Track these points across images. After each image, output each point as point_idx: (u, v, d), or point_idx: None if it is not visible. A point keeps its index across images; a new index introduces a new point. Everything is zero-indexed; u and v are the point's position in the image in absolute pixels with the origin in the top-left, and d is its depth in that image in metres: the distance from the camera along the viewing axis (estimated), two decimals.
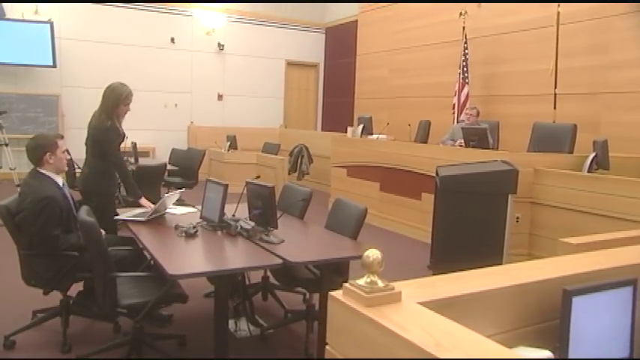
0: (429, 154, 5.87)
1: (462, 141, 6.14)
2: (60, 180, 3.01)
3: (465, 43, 7.65)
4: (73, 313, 3.05)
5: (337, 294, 1.24)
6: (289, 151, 9.15)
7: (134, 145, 6.70)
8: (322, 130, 12.22)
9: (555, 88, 6.36)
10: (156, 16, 10.25)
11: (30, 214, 2.75)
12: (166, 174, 6.45)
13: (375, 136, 7.34)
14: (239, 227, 2.94)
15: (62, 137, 3.15)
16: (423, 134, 7.45)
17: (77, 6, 9.52)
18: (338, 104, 11.85)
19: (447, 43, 8.40)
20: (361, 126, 7.28)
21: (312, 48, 12.14)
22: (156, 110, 10.34)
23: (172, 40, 10.44)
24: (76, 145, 7.21)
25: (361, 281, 1.23)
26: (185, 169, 6.71)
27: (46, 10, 9.21)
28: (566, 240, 2.23)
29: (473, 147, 5.54)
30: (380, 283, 1.23)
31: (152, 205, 3.38)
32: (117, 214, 3.37)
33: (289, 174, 8.61)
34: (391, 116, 9.11)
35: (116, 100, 3.71)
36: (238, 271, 2.55)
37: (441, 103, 8.36)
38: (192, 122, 10.44)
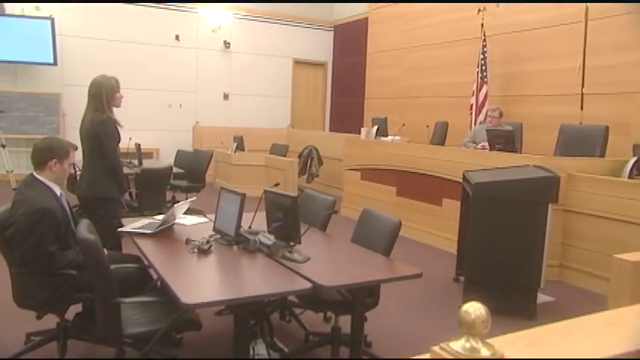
0: (451, 157, 5.53)
1: (485, 143, 5.82)
2: (58, 190, 2.68)
3: (484, 40, 7.31)
4: (72, 337, 2.72)
5: None
6: (298, 153, 8.81)
7: (138, 146, 6.38)
8: (330, 130, 11.89)
9: (583, 87, 6.02)
10: (160, 12, 9.92)
11: (23, 228, 2.43)
12: (172, 177, 6.13)
13: (389, 138, 7.01)
14: (258, 242, 2.61)
15: (76, 149, 2.84)
16: (441, 136, 7.12)
17: (79, 2, 9.21)
18: (347, 104, 11.52)
19: (462, 41, 8.06)
20: (375, 127, 6.95)
21: (320, 46, 11.81)
22: (160, 110, 10.03)
23: (177, 37, 10.12)
24: (78, 146, 6.88)
25: (457, 345, 0.90)
26: (191, 172, 6.39)
27: (47, 6, 8.89)
28: (620, 256, 1.90)
29: (498, 150, 5.20)
30: (484, 350, 0.90)
31: None
32: (121, 225, 3.07)
33: (298, 176, 8.27)
34: (403, 117, 8.76)
35: (110, 92, 3.50)
36: (262, 298, 2.22)
37: (456, 103, 8.02)
38: (197, 122, 10.12)
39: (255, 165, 8.47)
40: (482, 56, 7.34)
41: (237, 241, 2.70)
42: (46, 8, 8.86)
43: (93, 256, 2.09)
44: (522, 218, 3.51)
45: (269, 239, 2.61)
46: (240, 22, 10.74)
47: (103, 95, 3.49)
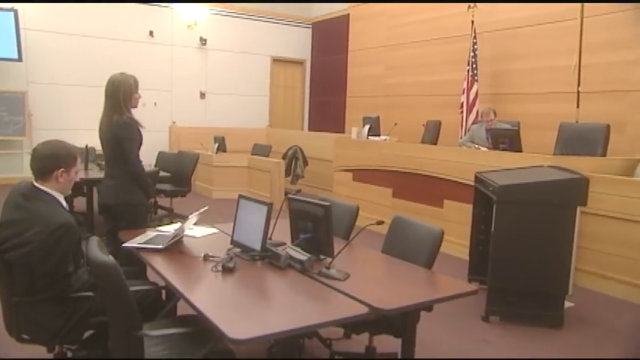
0: (453, 157, 5.35)
1: (487, 144, 5.69)
2: (63, 200, 2.31)
3: (474, 38, 7.19)
4: None
5: None
6: (281, 154, 8.50)
7: None
8: (309, 130, 11.62)
9: (579, 85, 5.95)
10: (133, 7, 9.42)
11: (43, 248, 2.05)
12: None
13: (379, 138, 6.80)
14: (289, 257, 2.32)
15: (82, 153, 2.49)
16: (433, 135, 6.95)
17: None
18: (326, 103, 11.26)
19: (451, 38, 7.94)
20: (367, 126, 6.72)
21: (298, 44, 11.51)
22: (133, 109, 9.50)
23: (151, 33, 9.64)
24: None
25: None
26: (176, 175, 6.00)
27: None
28: None
29: (503, 150, 5.05)
30: None
31: None
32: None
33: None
34: (389, 116, 8.56)
35: (128, 91, 3.24)
36: (319, 327, 1.93)
37: (445, 101, 7.89)
38: (174, 122, 9.67)
39: (238, 166, 8.13)
40: (472, 54, 7.21)
41: (262, 256, 2.40)
42: None
43: (113, 283, 1.76)
44: (549, 222, 3.34)
45: (303, 254, 2.32)
46: (216, 19, 10.34)
47: (121, 95, 3.22)
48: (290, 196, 2.61)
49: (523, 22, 6.89)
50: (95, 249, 1.88)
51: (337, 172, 6.97)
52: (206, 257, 2.38)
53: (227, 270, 2.23)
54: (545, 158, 4.51)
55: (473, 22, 7.20)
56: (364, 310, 1.85)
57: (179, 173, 5.99)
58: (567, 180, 3.33)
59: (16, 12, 8.16)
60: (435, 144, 6.87)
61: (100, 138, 3.36)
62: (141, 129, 3.33)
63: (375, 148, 6.36)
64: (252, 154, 8.46)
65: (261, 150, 8.50)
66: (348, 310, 1.86)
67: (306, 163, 8.35)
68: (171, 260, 2.41)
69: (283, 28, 11.23)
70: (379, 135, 6.88)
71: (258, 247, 2.39)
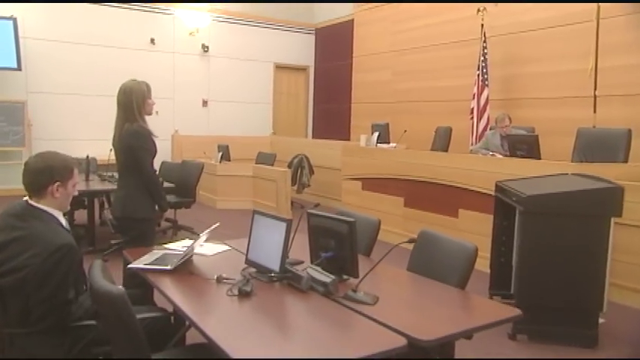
0: (468, 165, 5.15)
1: (502, 151, 5.50)
2: (63, 219, 2.11)
3: (484, 42, 7.01)
4: None
5: None
6: (286, 162, 8.30)
7: None
8: (313, 137, 11.43)
9: (595, 89, 5.76)
10: (134, 14, 9.26)
11: (40, 272, 1.86)
12: None
13: (388, 145, 6.61)
14: (311, 279, 2.11)
15: (79, 165, 2.29)
16: (444, 142, 6.75)
17: (44, 2, 8.45)
18: (331, 110, 11.08)
19: (458, 42, 7.77)
20: (376, 134, 6.52)
21: (301, 50, 11.35)
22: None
23: (152, 41, 9.47)
24: None
25: None
26: (180, 186, 5.80)
27: (8, 5, 8.10)
28: None
29: (521, 157, 4.85)
30: None
31: None
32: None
33: None
34: (396, 122, 8.36)
35: (141, 98, 3.10)
36: None
37: (454, 107, 7.70)
38: (176, 131, 9.48)
39: (242, 175, 7.93)
40: (482, 58, 7.03)
41: (280, 277, 2.19)
42: (6, 7, 8.08)
43: (119, 315, 1.56)
44: (581, 234, 3.13)
45: (324, 275, 2.12)
46: (218, 25, 10.18)
47: (134, 102, 3.07)
48: (309, 210, 2.40)
49: (534, 25, 6.71)
50: (98, 275, 1.68)
51: (346, 180, 6.77)
52: (219, 279, 2.18)
53: (244, 294, 2.02)
54: (568, 166, 4.31)
55: (483, 25, 7.02)
56: (401, 341, 1.64)
57: (183, 183, 5.79)
58: (601, 189, 3.13)
59: (15, 20, 8.00)
60: (446, 151, 6.68)
61: (114, 148, 3.23)
62: (154, 138, 3.16)
63: (386, 156, 6.16)
64: (256, 163, 8.27)
65: (265, 158, 8.31)
66: (383, 342, 1.65)
67: (312, 171, 8.15)
68: (181, 283, 2.20)
69: (286, 35, 11.08)
70: (388, 142, 6.69)
71: (276, 267, 2.18)
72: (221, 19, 10.19)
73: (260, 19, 10.66)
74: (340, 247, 2.23)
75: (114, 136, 3.19)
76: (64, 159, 2.12)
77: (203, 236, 2.49)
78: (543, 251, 3.17)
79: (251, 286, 2.05)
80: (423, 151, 6.32)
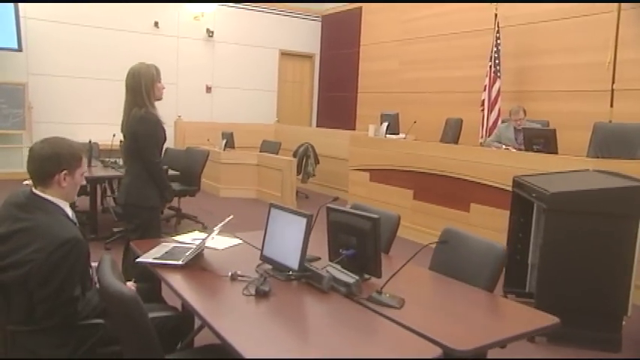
0: (481, 158, 5.01)
1: (515, 144, 5.36)
2: (69, 209, 1.98)
3: (498, 32, 6.83)
4: None
5: None
6: (291, 151, 8.15)
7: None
8: (317, 126, 11.26)
9: (613, 83, 5.61)
10: None
11: (45, 268, 1.73)
12: None
13: (397, 136, 6.47)
14: (332, 278, 1.98)
15: (85, 151, 2.16)
16: (454, 134, 6.61)
17: None
18: (336, 99, 10.90)
19: (470, 32, 7.60)
20: (386, 124, 6.37)
21: (307, 37, 11.14)
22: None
23: (156, 24, 9.27)
24: None
25: None
26: (184, 174, 5.65)
27: None
28: None
29: (537, 151, 4.71)
30: None
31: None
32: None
33: None
34: (403, 113, 8.19)
35: (150, 82, 2.96)
36: None
37: (464, 98, 7.55)
38: (179, 117, 9.31)
39: (247, 164, 7.79)
40: (495, 49, 6.86)
41: (299, 276, 2.06)
42: None
43: (131, 317, 1.43)
44: (607, 234, 3.00)
45: (346, 274, 1.99)
46: (224, 10, 9.96)
47: (143, 86, 2.94)
48: (329, 205, 2.27)
49: (550, 15, 6.53)
50: (108, 273, 1.54)
51: (353, 171, 6.63)
52: (234, 276, 2.05)
53: (261, 294, 1.89)
54: (587, 161, 4.17)
55: (496, 15, 6.84)
56: (435, 351, 1.51)
57: (188, 171, 5.65)
58: (630, 188, 2.99)
59: (16, 1, 7.79)
60: (457, 143, 6.53)
61: (122, 133, 3.12)
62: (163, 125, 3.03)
63: (395, 147, 6.02)
64: (260, 151, 8.12)
65: (270, 147, 8.17)
66: (415, 350, 1.52)
67: (317, 161, 8.01)
68: (193, 279, 2.07)
69: (292, 21, 10.86)
70: (398, 133, 6.54)
71: (295, 265, 2.05)
72: (227, 4, 9.97)
73: (266, 5, 10.44)
74: (362, 244, 2.10)
75: (122, 121, 3.06)
76: (72, 145, 1.98)
77: (216, 230, 2.35)
78: (567, 251, 3.04)
79: (269, 285, 1.92)
80: (434, 142, 6.17)
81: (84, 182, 2.04)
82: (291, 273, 2.06)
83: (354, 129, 9.55)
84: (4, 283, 1.77)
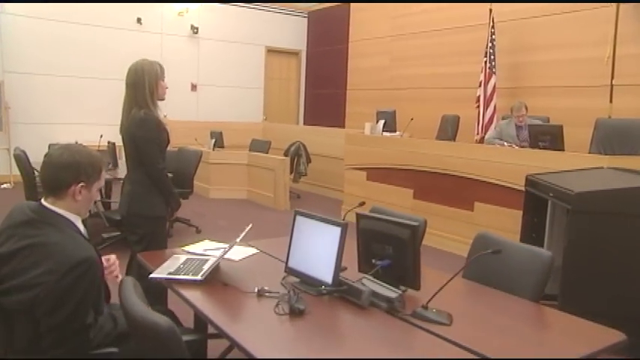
0: (485, 156, 4.90)
1: (517, 141, 5.27)
2: (81, 225, 1.76)
3: (492, 27, 6.74)
4: None
5: None
6: (281, 150, 7.96)
7: (112, 145, 5.34)
8: (304, 124, 11.08)
9: (612, 78, 5.55)
10: None
11: (55, 293, 1.52)
12: None
13: (393, 134, 6.32)
14: (371, 293, 1.81)
15: (109, 163, 1.94)
16: (450, 131, 6.49)
17: None
18: (323, 96, 10.72)
19: (463, 28, 7.49)
20: (382, 121, 6.22)
21: (293, 34, 10.94)
22: (120, 102, 8.72)
23: (139, 20, 8.96)
24: (26, 145, 5.73)
25: None
26: (177, 175, 5.40)
27: None
28: None
29: (543, 148, 4.61)
30: None
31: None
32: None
33: None
34: (396, 110, 8.09)
35: (154, 80, 2.73)
36: None
37: (457, 95, 7.44)
38: (165, 116, 8.95)
39: (237, 164, 7.57)
40: (490, 44, 6.77)
41: (331, 291, 1.88)
42: None
43: (165, 347, 1.23)
44: (636, 235, 2.89)
45: (386, 288, 1.82)
46: (208, 6, 9.69)
47: (146, 83, 2.70)
48: (358, 212, 2.09)
49: (547, 10, 6.45)
50: (135, 300, 1.34)
51: (349, 170, 6.46)
52: (261, 292, 1.86)
53: (296, 313, 1.71)
54: (599, 159, 4.08)
55: (491, 10, 6.74)
56: None
57: (181, 173, 5.40)
58: None
59: None
60: (454, 140, 6.43)
61: (122, 136, 2.85)
62: (166, 127, 2.81)
63: (394, 145, 5.87)
64: (250, 150, 7.91)
65: (259, 146, 7.96)
66: None
67: (309, 160, 7.84)
68: (216, 297, 1.88)
69: (278, 17, 10.64)
70: (395, 130, 6.40)
71: (328, 278, 1.87)
72: (212, 0, 9.70)
73: (251, 1, 10.19)
74: (399, 254, 1.93)
75: (121, 122, 2.81)
76: (93, 155, 1.77)
77: (237, 241, 2.14)
78: (594, 253, 2.93)
79: (304, 303, 1.74)
80: (435, 140, 6.05)
81: (98, 197, 1.83)
82: (323, 287, 1.88)
83: (343, 127, 9.39)
84: (6, 308, 1.56)
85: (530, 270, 2.01)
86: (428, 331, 1.64)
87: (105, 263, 1.84)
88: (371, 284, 1.87)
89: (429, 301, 1.76)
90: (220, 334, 1.64)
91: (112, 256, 1.98)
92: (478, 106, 6.87)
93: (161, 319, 1.25)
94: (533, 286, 1.98)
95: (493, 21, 6.73)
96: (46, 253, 1.56)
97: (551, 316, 1.88)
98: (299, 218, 2.06)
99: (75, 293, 1.53)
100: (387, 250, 1.96)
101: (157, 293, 2.19)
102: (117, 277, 1.95)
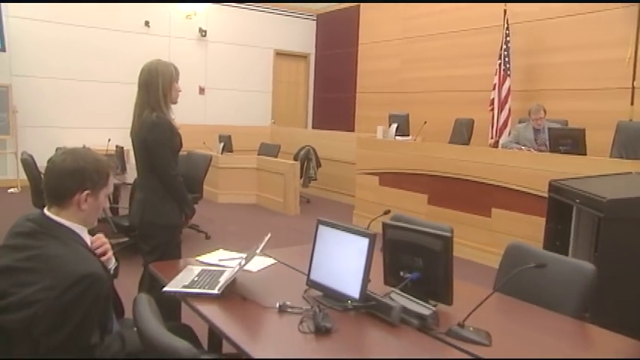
0: (503, 160, 4.76)
1: (535, 145, 5.13)
2: (87, 236, 1.64)
3: (507, 29, 6.61)
4: None
5: None
6: (292, 154, 7.84)
7: (121, 149, 5.24)
8: (313, 127, 10.96)
9: (634, 80, 5.40)
10: None
11: (50, 313, 1.40)
12: None
13: (405, 138, 6.20)
14: (402, 309, 1.68)
15: (117, 167, 1.82)
16: (465, 135, 6.34)
17: None
18: (332, 99, 10.61)
19: (478, 29, 7.36)
20: (395, 125, 6.09)
21: (302, 37, 10.84)
22: (128, 105, 8.66)
23: (147, 23, 8.89)
24: (33, 149, 5.64)
25: None
26: (186, 180, 5.28)
27: None
28: None
29: (564, 152, 4.47)
30: None
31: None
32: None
33: None
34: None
35: (168, 82, 2.59)
36: None
37: (471, 98, 7.31)
38: (173, 119, 8.90)
39: (246, 167, 7.47)
40: (505, 46, 6.63)
41: (358, 307, 1.75)
42: None
43: None
44: None
45: (420, 304, 1.69)
46: (216, 9, 9.62)
47: (160, 84, 2.56)
48: (385, 221, 1.96)
49: (564, 11, 6.31)
50: (151, 320, 1.21)
51: (360, 175, 6.33)
52: (283, 308, 1.74)
53: (322, 331, 1.58)
54: (624, 163, 3.93)
55: (505, 11, 6.62)
56: None
57: (190, 177, 5.26)
58: None
59: None
60: (468, 144, 6.28)
61: (132, 140, 2.72)
62: (178, 131, 2.68)
63: (407, 149, 5.74)
64: (259, 154, 7.80)
65: (269, 150, 7.84)
66: None
67: (319, 164, 7.71)
68: (235, 312, 1.75)
69: (287, 20, 10.55)
70: (408, 134, 6.27)
71: (355, 293, 1.74)
72: (219, 2, 9.63)
73: (260, 4, 10.11)
74: (430, 266, 1.80)
75: (132, 124, 2.69)
76: (99, 160, 1.64)
77: (257, 251, 2.01)
78: (627, 262, 2.78)
79: (331, 320, 1.61)
80: (447, 144, 5.91)
81: (107, 204, 1.71)
82: (350, 302, 1.75)
83: (352, 130, 9.28)
84: (4, 326, 1.43)
85: (571, 284, 1.88)
86: (466, 352, 1.51)
87: (90, 245, 1.63)
88: (400, 299, 1.74)
89: (466, 318, 1.62)
90: (240, 355, 1.52)
91: (99, 235, 1.78)
92: (492, 109, 6.74)
93: (180, 344, 1.12)
94: (574, 302, 1.84)
95: (507, 22, 6.60)
96: (46, 267, 1.44)
97: (597, 334, 1.74)
98: (322, 228, 1.93)
99: (76, 311, 1.40)
100: (417, 262, 1.84)
101: (170, 307, 2.07)
102: (109, 258, 1.76)
